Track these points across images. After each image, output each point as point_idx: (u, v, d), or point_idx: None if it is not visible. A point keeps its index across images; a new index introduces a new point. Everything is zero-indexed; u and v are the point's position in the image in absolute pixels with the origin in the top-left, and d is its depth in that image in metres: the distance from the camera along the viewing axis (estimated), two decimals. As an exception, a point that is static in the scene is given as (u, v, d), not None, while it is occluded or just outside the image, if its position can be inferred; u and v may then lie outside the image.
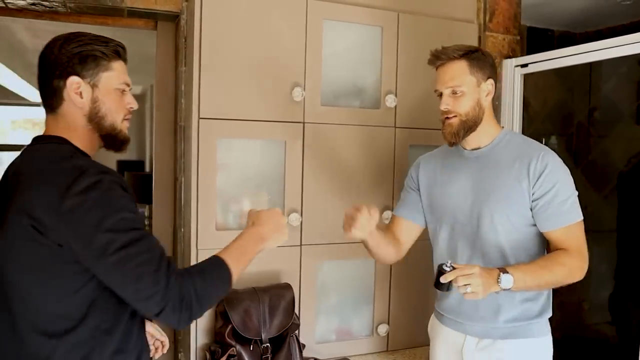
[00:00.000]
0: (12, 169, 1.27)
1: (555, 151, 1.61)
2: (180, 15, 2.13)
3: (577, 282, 1.56)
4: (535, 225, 1.59)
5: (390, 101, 2.17)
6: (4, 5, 2.03)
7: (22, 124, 7.77)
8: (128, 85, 1.32)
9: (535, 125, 2.84)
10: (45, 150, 1.25)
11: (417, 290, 2.25)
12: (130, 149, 1.34)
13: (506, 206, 1.58)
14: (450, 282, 1.41)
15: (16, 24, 3.61)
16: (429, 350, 2.23)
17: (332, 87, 2.14)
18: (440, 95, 1.64)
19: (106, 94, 1.27)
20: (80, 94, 1.24)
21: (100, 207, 1.12)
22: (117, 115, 1.30)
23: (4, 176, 1.28)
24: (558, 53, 2.19)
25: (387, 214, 2.18)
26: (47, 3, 2.01)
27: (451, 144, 1.65)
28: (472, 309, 1.64)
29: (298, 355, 1.95)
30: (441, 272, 1.42)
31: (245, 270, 1.34)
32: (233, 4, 1.94)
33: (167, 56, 2.25)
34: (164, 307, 1.12)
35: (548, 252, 1.63)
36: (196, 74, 1.90)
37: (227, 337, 1.84)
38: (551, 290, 1.66)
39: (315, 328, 2.13)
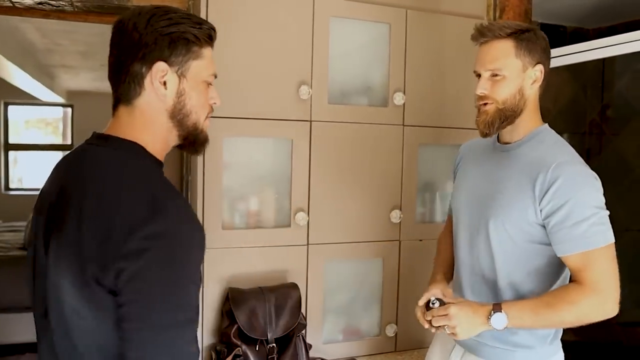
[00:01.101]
0: (71, 169, 1.08)
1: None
2: (186, 14, 2.12)
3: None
4: (542, 244, 1.40)
5: (399, 99, 2.14)
6: (11, 4, 2.04)
7: (36, 124, 7.86)
8: (215, 76, 1.14)
9: (547, 122, 2.80)
10: (116, 162, 1.04)
11: (425, 289, 2.22)
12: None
13: (504, 213, 1.41)
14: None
15: (26, 23, 3.64)
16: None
17: (340, 85, 2.12)
18: (479, 77, 1.45)
19: (194, 86, 1.08)
20: (165, 83, 1.05)
21: (164, 272, 0.92)
22: (201, 113, 1.11)
23: (57, 174, 1.11)
24: (570, 49, 2.16)
25: (396, 213, 2.16)
26: (54, 2, 2.02)
27: (484, 135, 1.46)
28: None
29: (304, 356, 1.93)
30: (428, 308, 1.40)
31: None
32: (239, 2, 1.92)
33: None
34: None
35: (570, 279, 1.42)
36: (202, 72, 1.89)
37: (232, 337, 1.83)
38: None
39: (323, 328, 2.11)
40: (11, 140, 7.27)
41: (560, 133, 1.53)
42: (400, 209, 2.17)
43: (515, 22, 1.46)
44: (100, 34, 3.65)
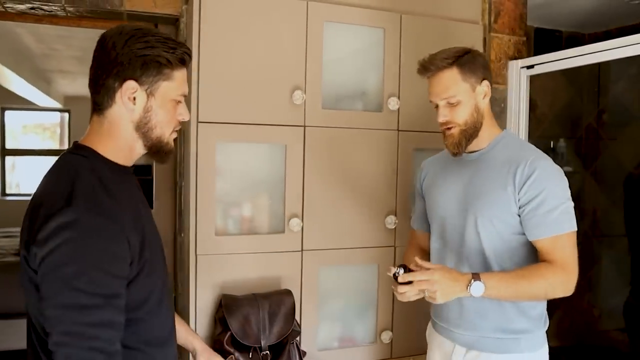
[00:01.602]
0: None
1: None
2: (180, 19, 2.11)
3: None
4: (524, 234, 1.52)
5: (393, 104, 2.13)
6: (3, 9, 2.03)
7: (33, 129, 7.83)
8: (185, 96, 1.24)
9: (543, 127, 2.79)
10: (66, 165, 1.16)
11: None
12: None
13: (490, 211, 1.52)
14: None
15: (21, 28, 3.63)
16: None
17: (334, 89, 2.11)
18: (437, 106, 1.58)
19: (161, 104, 1.18)
20: (134, 99, 1.16)
21: (69, 258, 1.02)
22: (167, 128, 1.21)
23: None
24: (564, 54, 2.15)
25: (391, 219, 2.14)
26: (47, 7, 2.01)
27: (455, 155, 1.59)
28: (457, 317, 1.60)
29: (298, 363, 1.91)
30: (395, 278, 1.43)
31: None
32: (232, 6, 1.91)
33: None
34: None
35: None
36: (195, 78, 1.88)
37: (225, 345, 1.81)
38: (545, 302, 1.60)
39: (317, 335, 2.09)
40: (8, 146, 7.25)
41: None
42: (395, 215, 2.16)
43: (452, 48, 1.57)
44: (95, 39, 3.60)
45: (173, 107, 1.21)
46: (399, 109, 2.15)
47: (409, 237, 1.89)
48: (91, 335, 1.03)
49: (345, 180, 2.09)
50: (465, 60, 1.54)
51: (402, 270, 1.42)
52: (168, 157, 1.26)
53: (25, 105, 6.78)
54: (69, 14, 2.08)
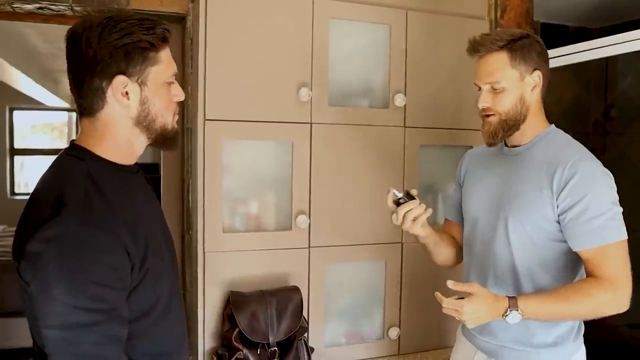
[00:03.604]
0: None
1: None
2: (186, 17, 2.12)
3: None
4: (561, 241, 1.41)
5: (399, 100, 2.13)
6: (11, 10, 2.04)
7: (42, 128, 7.88)
8: (176, 74, 1.14)
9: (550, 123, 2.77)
10: (60, 168, 1.09)
11: (428, 292, 2.18)
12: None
13: (522, 214, 1.42)
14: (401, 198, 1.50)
15: (29, 29, 3.66)
16: (441, 353, 2.21)
17: (340, 86, 2.11)
18: (480, 89, 1.47)
19: (156, 91, 1.09)
20: (127, 95, 1.07)
21: (60, 274, 0.94)
22: (167, 114, 1.13)
23: None
24: (571, 49, 2.14)
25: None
26: (54, 7, 2.02)
27: (489, 145, 1.48)
28: None
29: (306, 359, 1.92)
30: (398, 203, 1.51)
31: None
32: (239, 4, 1.92)
33: (174, 58, 2.23)
34: None
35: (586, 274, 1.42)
36: (201, 76, 1.89)
37: (234, 341, 1.82)
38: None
39: (325, 331, 2.10)
40: (17, 145, 7.30)
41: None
42: (402, 211, 2.16)
43: (508, 30, 1.47)
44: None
45: (167, 91, 1.13)
46: (405, 106, 2.15)
47: (442, 224, 1.80)
48: (96, 354, 0.96)
49: (352, 176, 2.10)
50: (518, 45, 1.41)
51: (401, 194, 1.49)
52: (176, 143, 1.18)
53: (33, 105, 6.83)
54: (76, 14, 2.10)
